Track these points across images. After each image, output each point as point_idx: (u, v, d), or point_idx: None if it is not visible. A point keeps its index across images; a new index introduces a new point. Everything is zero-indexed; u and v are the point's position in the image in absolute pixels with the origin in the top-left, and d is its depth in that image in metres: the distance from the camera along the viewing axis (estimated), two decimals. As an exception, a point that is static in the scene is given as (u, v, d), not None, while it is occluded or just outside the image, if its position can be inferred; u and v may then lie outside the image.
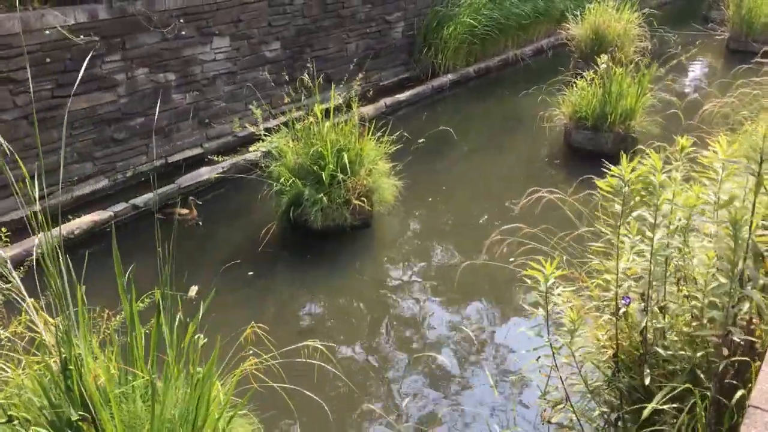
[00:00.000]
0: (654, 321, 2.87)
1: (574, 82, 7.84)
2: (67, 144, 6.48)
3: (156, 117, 7.18)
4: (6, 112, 5.97)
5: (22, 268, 3.41)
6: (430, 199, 7.03)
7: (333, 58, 9.19)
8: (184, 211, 6.43)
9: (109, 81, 6.71)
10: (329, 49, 9.15)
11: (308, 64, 8.65)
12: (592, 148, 7.76)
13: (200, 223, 6.43)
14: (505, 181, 7.49)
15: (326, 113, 6.18)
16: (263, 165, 6.14)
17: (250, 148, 6.21)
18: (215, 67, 7.73)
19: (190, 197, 6.51)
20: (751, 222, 2.46)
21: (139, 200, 6.52)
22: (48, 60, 6.17)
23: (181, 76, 7.38)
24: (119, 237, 5.44)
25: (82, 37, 6.14)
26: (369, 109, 9.04)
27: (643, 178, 2.63)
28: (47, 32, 6.01)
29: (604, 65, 7.56)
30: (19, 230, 6.08)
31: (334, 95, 6.31)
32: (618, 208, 2.74)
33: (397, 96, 9.55)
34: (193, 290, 3.18)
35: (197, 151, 7.67)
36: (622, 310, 2.83)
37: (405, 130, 8.63)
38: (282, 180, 5.88)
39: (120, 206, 6.38)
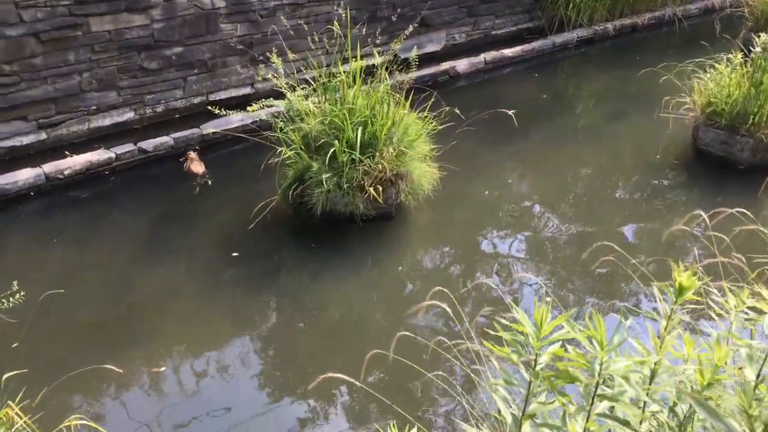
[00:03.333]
0: None
1: (713, 64, 5.98)
2: (87, 69, 5.79)
3: (198, 47, 6.31)
4: (11, 28, 5.33)
5: None
6: (487, 192, 5.64)
7: (432, -4, 7.79)
8: (195, 169, 5.52)
9: (142, 2, 5.88)
10: (427, -15, 7.75)
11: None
12: (723, 154, 5.96)
13: (209, 182, 5.56)
14: (596, 184, 5.89)
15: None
16: (277, 125, 5.09)
17: (248, 109, 5.14)
18: (277, -4, 6.67)
19: (194, 150, 5.64)
20: None
21: (149, 143, 5.75)
22: (65, -29, 5.43)
23: (233, 3, 6.41)
24: (115, 185, 4.47)
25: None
26: (462, 65, 7.64)
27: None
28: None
29: (759, 48, 5.65)
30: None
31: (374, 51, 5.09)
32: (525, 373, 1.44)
33: (503, 51, 8.00)
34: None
35: (246, 90, 6.77)
36: None
37: (496, 95, 7.20)
38: (283, 149, 4.83)
39: (124, 148, 5.64)
